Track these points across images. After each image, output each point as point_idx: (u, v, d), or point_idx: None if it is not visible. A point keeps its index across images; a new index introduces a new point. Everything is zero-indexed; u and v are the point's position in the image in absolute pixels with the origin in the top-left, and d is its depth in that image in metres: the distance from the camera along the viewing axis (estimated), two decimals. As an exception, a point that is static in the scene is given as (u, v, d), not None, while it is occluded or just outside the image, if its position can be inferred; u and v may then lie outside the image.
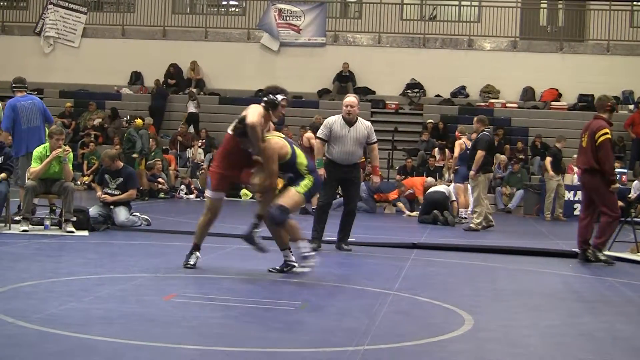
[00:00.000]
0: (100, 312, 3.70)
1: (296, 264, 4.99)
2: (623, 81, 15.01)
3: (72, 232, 6.62)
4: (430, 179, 11.55)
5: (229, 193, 5.33)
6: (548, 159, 11.23)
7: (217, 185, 5.00)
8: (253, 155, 4.88)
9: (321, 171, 6.39)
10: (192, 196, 12.45)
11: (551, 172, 11.10)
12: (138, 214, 7.49)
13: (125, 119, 12.77)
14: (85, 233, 6.73)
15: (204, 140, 14.23)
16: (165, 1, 16.35)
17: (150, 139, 12.66)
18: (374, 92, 15.65)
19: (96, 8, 16.97)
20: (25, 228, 6.58)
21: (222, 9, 17.30)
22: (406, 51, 15.65)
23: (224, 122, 11.04)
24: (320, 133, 6.43)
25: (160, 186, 12.30)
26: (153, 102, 15.24)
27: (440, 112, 15.11)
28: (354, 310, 4.06)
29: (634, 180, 12.01)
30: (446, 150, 12.85)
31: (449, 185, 10.35)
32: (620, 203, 6.80)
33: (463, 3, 16.15)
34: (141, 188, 11.09)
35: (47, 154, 6.77)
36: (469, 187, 9.43)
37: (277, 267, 5.02)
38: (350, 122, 6.32)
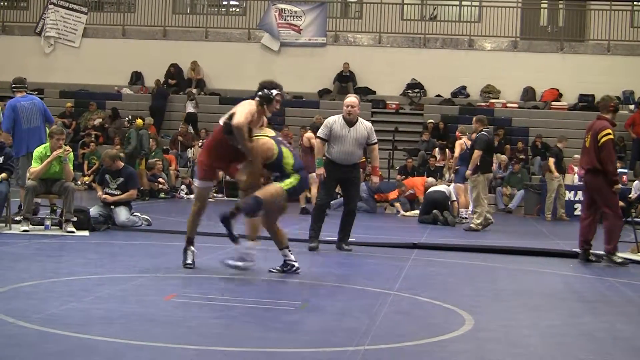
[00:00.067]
0: (100, 312, 3.71)
1: (296, 263, 4.98)
2: (623, 81, 15.01)
3: (73, 232, 6.63)
4: (430, 179, 11.55)
5: (229, 193, 5.34)
6: (551, 160, 11.21)
7: (205, 175, 5.02)
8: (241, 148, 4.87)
9: (320, 170, 6.40)
10: (192, 196, 12.43)
11: (556, 173, 11.11)
12: (138, 214, 7.49)
13: (126, 119, 12.78)
14: (86, 233, 6.73)
15: (204, 140, 14.24)
16: (165, 1, 16.35)
17: (151, 139, 12.66)
18: (374, 92, 15.65)
19: (97, 8, 16.97)
20: (26, 228, 6.58)
21: (223, 9, 17.30)
22: (407, 51, 15.65)
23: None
24: (320, 133, 6.43)
25: (160, 186, 12.31)
26: (153, 102, 15.24)
27: (440, 112, 15.10)
28: (354, 310, 4.05)
29: (634, 180, 12.00)
30: (447, 150, 12.84)
31: (449, 185, 10.34)
32: (620, 203, 6.80)
33: (463, 3, 16.14)
34: (142, 188, 11.09)
35: (48, 154, 6.77)
36: (469, 187, 9.43)
37: (278, 267, 5.02)
38: (350, 122, 6.31)
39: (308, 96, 15.65)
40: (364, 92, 15.32)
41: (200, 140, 14.23)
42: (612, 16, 15.40)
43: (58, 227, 6.79)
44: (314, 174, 6.66)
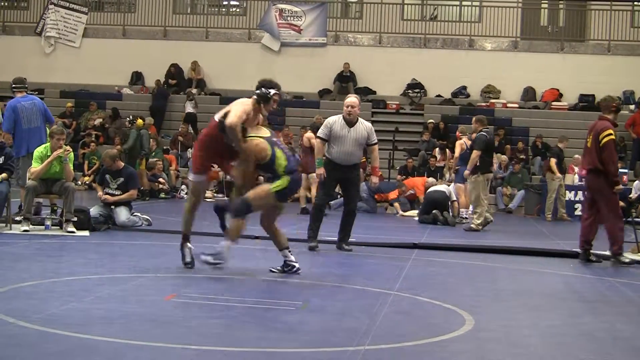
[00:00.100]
0: (100, 312, 3.71)
1: (296, 264, 4.99)
2: (624, 81, 15.00)
3: (73, 232, 6.63)
4: (431, 179, 11.54)
5: (229, 193, 5.34)
6: (553, 160, 11.20)
7: (199, 168, 5.01)
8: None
9: (320, 170, 6.40)
10: (192, 196, 12.44)
11: (558, 174, 11.11)
12: (139, 214, 7.49)
13: (128, 119, 12.78)
14: (86, 233, 6.73)
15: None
16: (166, 1, 16.36)
17: (151, 139, 12.66)
18: (374, 92, 15.65)
19: (97, 8, 16.98)
20: (26, 228, 6.58)
21: (223, 9, 17.31)
22: (407, 51, 15.65)
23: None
24: (320, 132, 6.43)
25: (161, 186, 12.31)
26: (154, 102, 15.24)
27: (441, 112, 15.10)
28: (355, 310, 4.05)
29: (634, 181, 12.00)
30: (447, 150, 12.85)
31: (449, 186, 10.34)
32: (620, 203, 6.80)
33: (464, 3, 16.14)
34: (142, 188, 11.10)
35: (48, 154, 6.77)
36: (468, 187, 9.42)
37: (278, 268, 5.02)
38: (350, 122, 6.31)
39: (308, 96, 15.65)
40: (365, 92, 15.32)
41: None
42: (612, 16, 15.40)
43: (58, 227, 6.79)
44: (314, 174, 6.66)
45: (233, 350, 3.13)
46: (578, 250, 6.48)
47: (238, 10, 17.11)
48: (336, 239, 6.46)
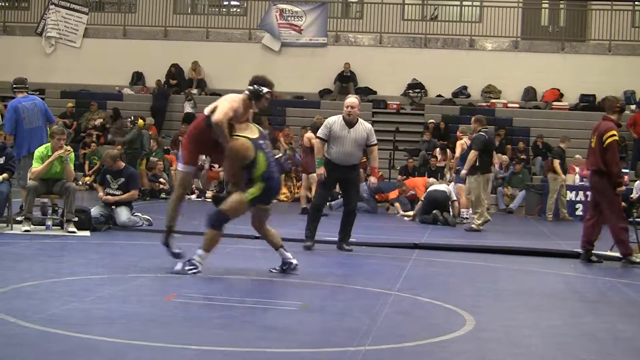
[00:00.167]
0: (101, 312, 3.71)
1: (294, 260, 4.96)
2: (625, 81, 14.98)
3: (74, 232, 6.63)
4: (432, 180, 11.53)
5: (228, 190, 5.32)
6: (557, 161, 11.17)
7: (188, 160, 5.00)
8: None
9: (321, 170, 6.39)
10: (193, 196, 12.44)
11: (562, 175, 11.09)
12: (139, 214, 7.50)
13: (129, 119, 12.79)
14: (87, 233, 6.73)
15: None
16: (166, 1, 16.36)
17: (152, 139, 12.66)
18: (375, 92, 15.65)
19: (97, 8, 16.99)
20: (27, 228, 6.59)
21: (224, 9, 17.31)
22: (407, 51, 15.65)
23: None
24: (320, 133, 6.43)
25: (161, 186, 12.31)
26: (154, 103, 15.25)
27: (441, 112, 15.10)
28: (355, 310, 4.05)
29: (635, 181, 11.99)
30: (447, 150, 12.84)
31: (449, 185, 10.32)
32: (622, 203, 6.78)
33: (464, 3, 16.13)
34: (142, 188, 11.10)
35: (49, 154, 6.78)
36: (469, 188, 9.41)
37: (277, 268, 5.02)
38: (350, 123, 6.31)
39: (309, 96, 15.65)
40: (365, 92, 15.32)
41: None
42: (613, 16, 15.39)
43: (59, 227, 6.80)
44: (315, 174, 6.66)
45: (233, 350, 3.13)
46: (579, 250, 6.47)
47: (238, 10, 17.11)
48: (336, 239, 6.46)
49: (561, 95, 15.39)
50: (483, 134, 8.73)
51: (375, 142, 6.42)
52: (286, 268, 4.99)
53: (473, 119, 9.05)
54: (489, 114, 13.84)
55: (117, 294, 4.19)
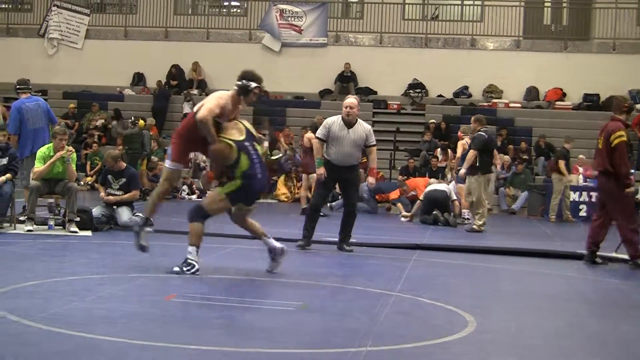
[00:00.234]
0: (102, 311, 3.72)
1: (277, 244, 4.93)
2: (629, 80, 14.80)
3: (76, 232, 6.65)
4: (433, 180, 11.51)
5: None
6: (562, 162, 11.11)
7: (176, 157, 4.99)
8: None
9: (321, 170, 6.39)
10: (194, 196, 12.45)
11: (567, 176, 11.03)
12: (140, 214, 7.49)
13: (130, 120, 12.80)
14: (89, 233, 6.75)
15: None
16: (167, 2, 16.37)
17: (152, 140, 12.67)
18: (375, 93, 15.63)
19: (99, 10, 17.01)
20: (30, 228, 6.61)
21: (224, 10, 17.32)
22: (408, 51, 15.63)
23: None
24: (319, 133, 6.43)
25: (162, 187, 12.31)
26: (155, 103, 15.26)
27: (442, 112, 15.07)
28: (356, 311, 4.05)
29: None
30: (448, 150, 12.82)
31: (449, 185, 10.30)
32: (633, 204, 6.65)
33: (465, 2, 16.11)
34: (143, 188, 11.11)
35: (51, 154, 6.80)
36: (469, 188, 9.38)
37: (271, 263, 4.98)
38: (349, 123, 6.30)
39: (309, 96, 15.65)
40: (365, 93, 15.31)
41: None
42: (617, 14, 15.29)
43: (61, 227, 6.82)
44: (314, 175, 6.65)
45: (233, 350, 3.13)
46: (582, 251, 6.42)
47: (239, 10, 17.11)
48: (337, 239, 6.45)
49: (564, 94, 15.31)
50: (482, 133, 8.71)
51: (374, 142, 6.40)
52: (274, 256, 4.95)
53: (473, 118, 9.02)
54: (491, 114, 13.82)
55: (118, 294, 4.19)
